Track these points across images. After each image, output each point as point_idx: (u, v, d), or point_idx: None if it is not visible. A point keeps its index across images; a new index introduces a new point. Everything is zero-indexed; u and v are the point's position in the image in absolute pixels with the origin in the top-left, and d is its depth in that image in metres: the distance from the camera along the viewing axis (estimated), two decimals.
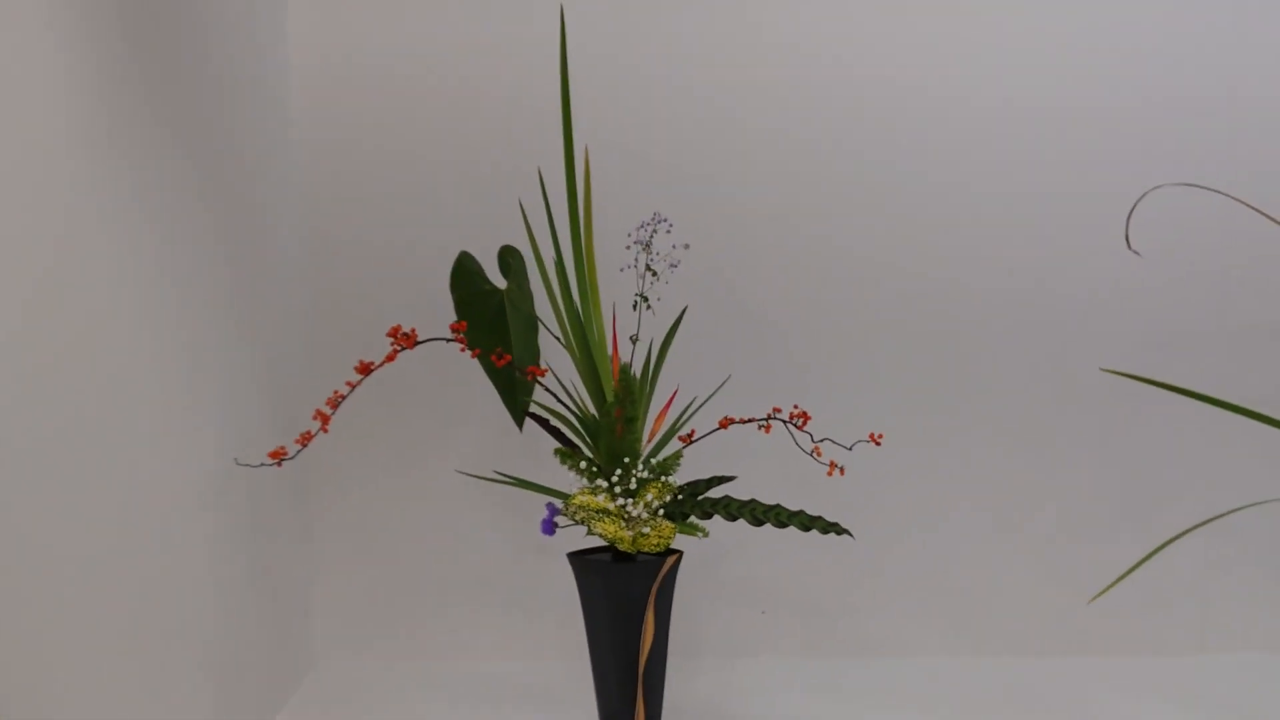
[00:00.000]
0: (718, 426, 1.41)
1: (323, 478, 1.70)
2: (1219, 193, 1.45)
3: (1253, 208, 1.33)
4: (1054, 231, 1.69)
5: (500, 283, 1.46)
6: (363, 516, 1.72)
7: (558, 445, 1.42)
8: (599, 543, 1.48)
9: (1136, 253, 1.45)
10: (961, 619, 1.73)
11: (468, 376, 1.61)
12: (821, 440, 1.39)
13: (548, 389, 1.44)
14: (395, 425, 1.70)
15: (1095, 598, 1.39)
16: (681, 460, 1.42)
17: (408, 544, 1.72)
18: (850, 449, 1.42)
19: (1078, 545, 1.71)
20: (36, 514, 0.92)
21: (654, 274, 1.45)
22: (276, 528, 1.57)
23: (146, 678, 1.12)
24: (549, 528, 1.39)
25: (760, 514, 1.37)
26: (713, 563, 1.70)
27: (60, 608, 0.96)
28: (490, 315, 1.43)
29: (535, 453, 1.63)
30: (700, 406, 1.49)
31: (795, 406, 1.40)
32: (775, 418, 1.40)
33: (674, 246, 1.46)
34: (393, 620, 1.73)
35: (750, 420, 1.41)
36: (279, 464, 1.30)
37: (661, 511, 1.38)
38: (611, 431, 1.38)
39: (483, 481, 1.65)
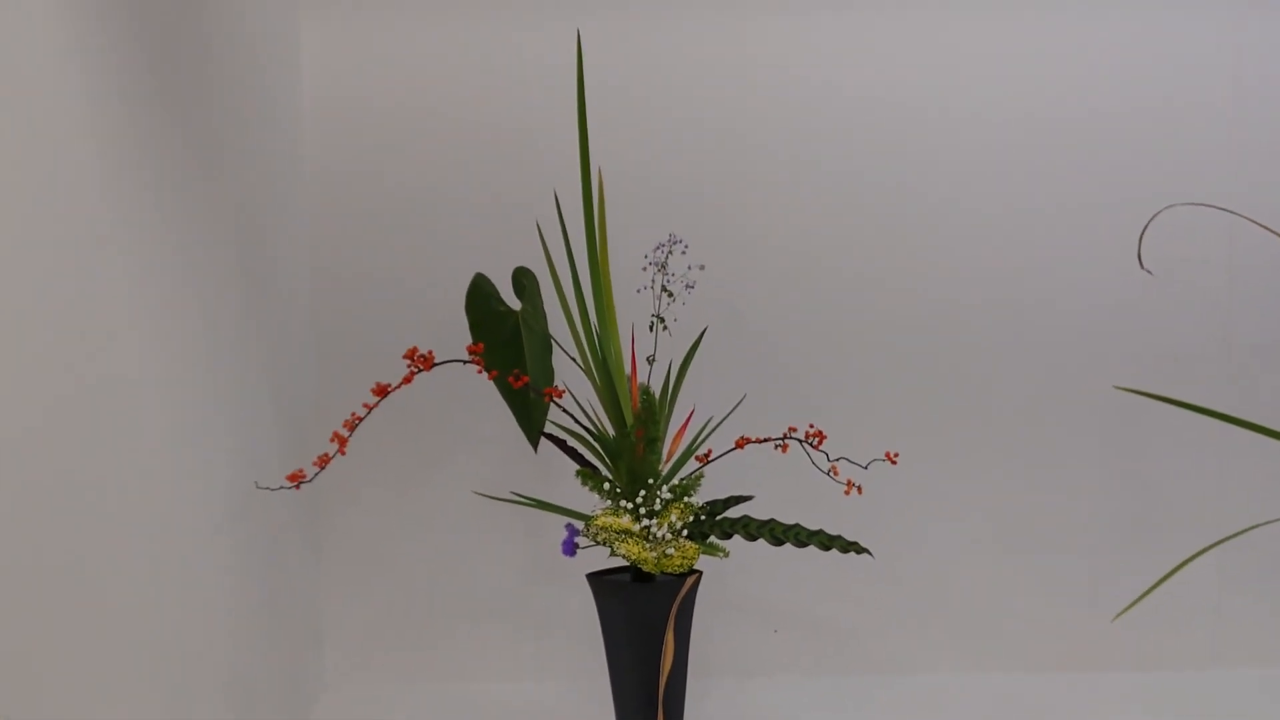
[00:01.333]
0: (734, 446, 1.42)
1: (335, 499, 1.69)
2: (1228, 211, 1.47)
3: (1261, 225, 1.34)
4: (1063, 252, 1.70)
5: (515, 304, 1.46)
6: (375, 538, 1.71)
7: (579, 467, 1.43)
8: (616, 563, 1.48)
9: (1149, 271, 1.46)
10: (975, 636, 1.73)
11: (478, 397, 1.61)
12: (838, 459, 1.40)
13: (565, 409, 1.44)
14: (407, 446, 1.70)
15: (1118, 616, 1.40)
16: (702, 480, 1.42)
17: (421, 566, 1.71)
18: (866, 468, 1.42)
19: (1089, 561, 1.72)
20: (52, 538, 0.92)
21: (670, 295, 1.45)
22: (289, 551, 1.56)
23: (160, 703, 1.11)
24: (570, 549, 1.39)
25: (780, 533, 1.37)
26: (724, 582, 1.70)
27: (75, 632, 0.95)
28: (505, 336, 1.43)
29: (547, 473, 1.63)
30: (717, 426, 1.49)
31: (811, 426, 1.40)
32: (792, 437, 1.40)
33: (689, 268, 1.47)
34: (406, 643, 1.72)
35: (767, 440, 1.42)
36: (298, 487, 1.30)
37: (684, 532, 1.38)
38: (633, 452, 1.38)
39: (494, 502, 1.64)
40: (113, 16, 1.03)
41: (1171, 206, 1.40)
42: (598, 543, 1.36)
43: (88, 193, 0.98)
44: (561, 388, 1.41)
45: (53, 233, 0.92)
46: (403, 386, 1.33)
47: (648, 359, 1.46)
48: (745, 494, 1.45)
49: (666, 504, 1.37)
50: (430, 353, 1.34)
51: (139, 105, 1.09)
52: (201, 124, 1.27)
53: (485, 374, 1.37)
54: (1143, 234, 1.34)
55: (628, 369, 1.43)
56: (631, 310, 1.48)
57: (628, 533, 1.35)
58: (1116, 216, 1.66)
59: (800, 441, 1.40)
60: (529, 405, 1.41)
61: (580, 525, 1.40)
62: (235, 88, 1.39)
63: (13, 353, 0.85)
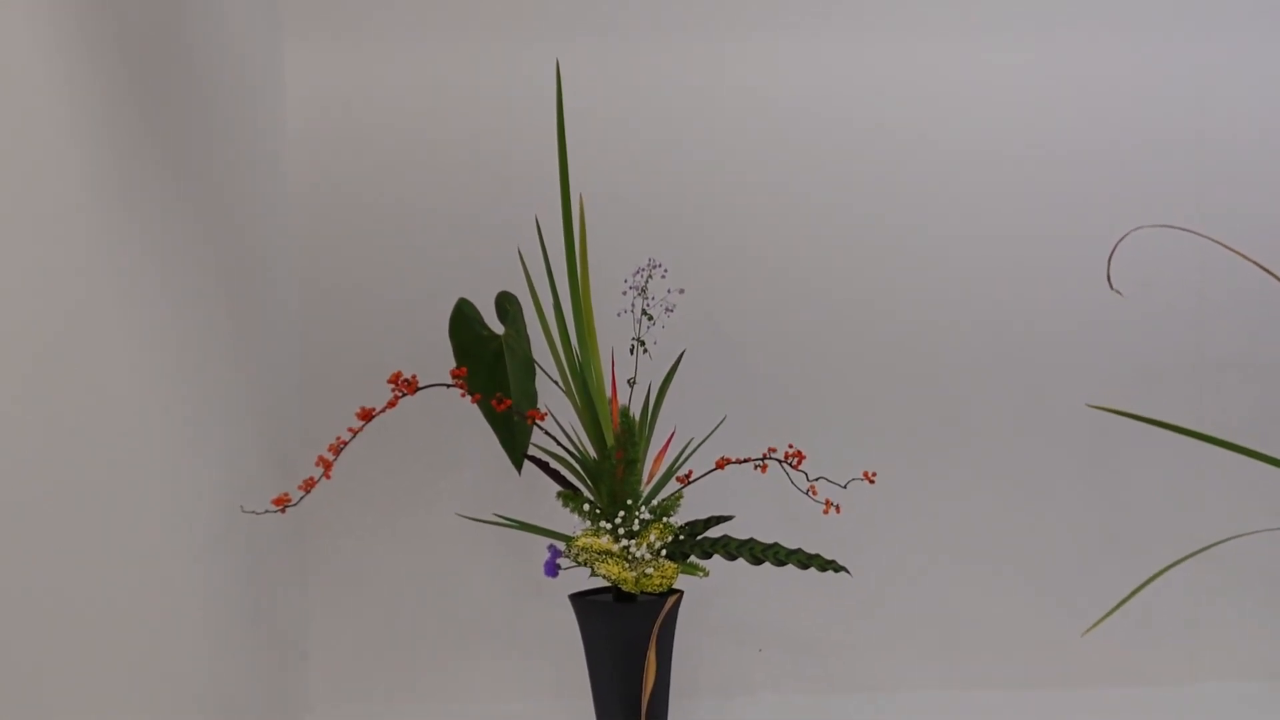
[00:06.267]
0: (715, 467, 1.44)
1: (320, 522, 1.70)
2: (1194, 233, 1.50)
3: (1226, 246, 1.37)
4: (1037, 273, 1.73)
5: (498, 329, 1.49)
6: (360, 560, 1.72)
7: (560, 489, 1.44)
8: (599, 584, 1.50)
9: (1119, 292, 1.49)
10: (956, 653, 1.75)
11: (463, 421, 1.63)
12: (817, 479, 1.42)
13: (547, 432, 1.46)
14: (392, 469, 1.71)
15: (1088, 630, 1.42)
16: (681, 501, 1.44)
17: (405, 588, 1.73)
18: (845, 487, 1.44)
19: (1067, 578, 1.74)
20: (41, 558, 0.93)
21: (650, 318, 1.48)
22: (274, 572, 1.57)
23: None
24: (552, 570, 1.40)
25: (759, 552, 1.39)
26: (709, 601, 1.71)
27: (59, 653, 0.96)
28: (488, 360, 1.45)
29: (532, 495, 1.65)
30: (697, 448, 1.51)
31: (790, 446, 1.43)
32: (771, 458, 1.42)
33: (669, 291, 1.49)
34: (390, 665, 1.73)
35: (746, 460, 1.44)
36: (283, 510, 1.31)
37: (664, 552, 1.40)
38: (613, 474, 1.40)
39: (478, 524, 1.66)
40: (98, 38, 1.06)
41: (1139, 229, 1.44)
42: (578, 563, 1.38)
43: (72, 216, 1.01)
44: (544, 411, 1.43)
45: (37, 255, 0.94)
46: (387, 410, 1.35)
47: (628, 381, 1.48)
48: (725, 514, 1.47)
49: (646, 524, 1.39)
50: (414, 377, 1.36)
51: (125, 129, 1.11)
52: (187, 148, 1.29)
53: (469, 398, 1.39)
54: (1111, 255, 1.37)
55: (608, 392, 1.46)
56: (612, 333, 1.51)
57: (607, 553, 1.37)
58: (1091, 240, 1.68)
59: (780, 462, 1.42)
60: (512, 428, 1.43)
61: (562, 546, 1.42)
62: (221, 112, 1.41)
63: None
